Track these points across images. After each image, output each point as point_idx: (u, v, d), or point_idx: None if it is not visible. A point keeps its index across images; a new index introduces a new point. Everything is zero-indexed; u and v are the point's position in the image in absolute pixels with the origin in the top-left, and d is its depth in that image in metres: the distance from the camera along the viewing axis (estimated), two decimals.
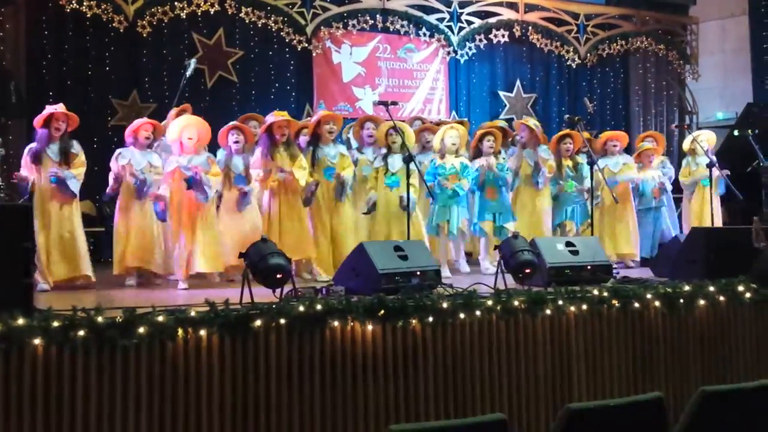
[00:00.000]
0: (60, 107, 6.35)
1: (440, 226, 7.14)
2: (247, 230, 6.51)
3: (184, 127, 6.39)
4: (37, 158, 6.20)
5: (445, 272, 6.86)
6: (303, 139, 7.02)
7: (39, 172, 6.22)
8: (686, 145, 8.87)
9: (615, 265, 6.37)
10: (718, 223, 8.35)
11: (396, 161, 6.97)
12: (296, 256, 6.30)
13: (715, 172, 8.11)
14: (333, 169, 6.77)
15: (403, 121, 8.53)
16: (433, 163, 7.23)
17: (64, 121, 6.31)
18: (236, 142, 6.65)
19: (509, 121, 10.74)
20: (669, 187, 8.55)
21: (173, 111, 7.34)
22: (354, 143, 7.79)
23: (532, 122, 8.09)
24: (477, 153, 7.50)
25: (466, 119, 9.84)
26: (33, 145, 6.29)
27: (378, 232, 6.96)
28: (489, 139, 7.44)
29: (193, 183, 6.12)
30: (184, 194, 6.19)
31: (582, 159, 7.90)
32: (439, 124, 8.18)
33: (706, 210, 8.26)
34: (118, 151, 6.69)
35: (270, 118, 6.67)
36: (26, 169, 6.23)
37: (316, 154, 6.79)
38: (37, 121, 6.28)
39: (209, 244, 6.24)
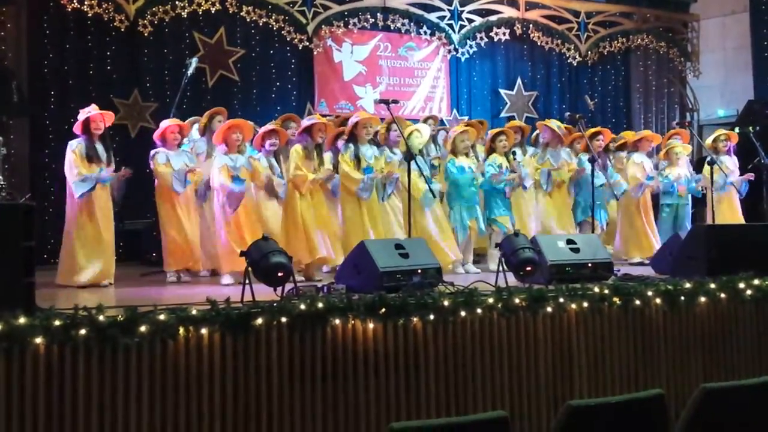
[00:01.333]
0: (94, 109, 6.53)
1: (470, 225, 7.32)
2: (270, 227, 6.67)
3: (231, 126, 6.59)
4: (90, 159, 6.42)
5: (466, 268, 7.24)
6: (340, 143, 7.22)
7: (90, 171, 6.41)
8: (708, 143, 8.87)
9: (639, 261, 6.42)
10: (740, 220, 8.48)
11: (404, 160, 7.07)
12: (305, 259, 6.53)
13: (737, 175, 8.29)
14: (371, 168, 6.94)
15: (416, 120, 8.68)
16: (452, 162, 7.35)
17: (102, 120, 6.52)
18: (272, 144, 6.80)
19: (510, 119, 10.78)
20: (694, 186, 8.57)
21: (206, 114, 7.49)
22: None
23: (555, 123, 8.20)
24: (490, 152, 7.68)
25: (485, 120, 9.83)
26: (79, 141, 6.45)
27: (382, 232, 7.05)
28: (501, 139, 7.61)
29: (239, 184, 6.37)
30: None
31: (582, 157, 7.98)
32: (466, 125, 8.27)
33: (728, 208, 8.38)
34: (153, 151, 6.90)
35: (311, 120, 6.90)
36: (75, 167, 6.38)
37: (357, 153, 6.98)
38: (77, 127, 6.50)
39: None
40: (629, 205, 8.30)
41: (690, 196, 8.53)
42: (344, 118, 8.52)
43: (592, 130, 8.31)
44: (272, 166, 6.74)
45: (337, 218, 7.07)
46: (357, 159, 6.95)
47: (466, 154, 7.41)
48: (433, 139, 8.00)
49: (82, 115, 6.48)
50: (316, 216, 6.67)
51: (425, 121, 8.54)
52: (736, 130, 9.73)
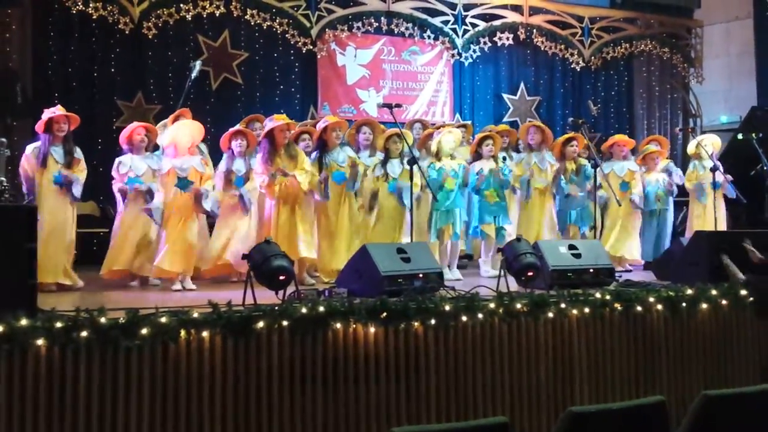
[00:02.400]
0: (59, 109, 6.38)
1: (442, 230, 7.14)
2: (243, 233, 6.63)
3: (178, 129, 6.45)
4: (43, 161, 6.25)
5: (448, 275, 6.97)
6: (303, 144, 7.08)
7: (42, 174, 6.26)
8: (691, 149, 8.85)
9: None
10: (722, 227, 8.34)
11: (395, 167, 7.01)
12: (295, 257, 6.34)
13: (719, 176, 8.12)
14: (342, 173, 6.84)
15: (403, 123, 8.58)
16: (432, 166, 7.22)
17: (66, 122, 6.35)
18: (239, 145, 6.73)
19: (512, 124, 10.77)
20: (675, 191, 8.52)
21: (171, 117, 7.35)
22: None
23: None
24: (477, 157, 7.53)
25: (469, 122, 9.84)
26: (36, 145, 6.32)
27: (382, 237, 7.01)
28: (488, 144, 7.47)
29: (185, 186, 6.19)
30: (178, 195, 6.24)
31: (583, 162, 7.93)
32: (440, 127, 8.18)
33: (710, 214, 8.25)
34: (117, 160, 6.70)
35: (270, 123, 6.72)
36: (28, 170, 6.27)
37: (324, 160, 6.88)
38: (39, 126, 6.32)
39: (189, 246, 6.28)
40: (611, 212, 8.19)
41: (670, 201, 8.49)
42: (317, 121, 8.29)
43: (566, 136, 8.06)
44: (233, 170, 6.66)
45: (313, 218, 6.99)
46: (320, 166, 6.82)
47: (451, 157, 7.31)
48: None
49: (46, 114, 6.33)
50: (296, 217, 6.61)
51: (411, 126, 8.51)
52: (739, 136, 9.74)
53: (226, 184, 6.70)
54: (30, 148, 6.34)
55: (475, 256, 8.17)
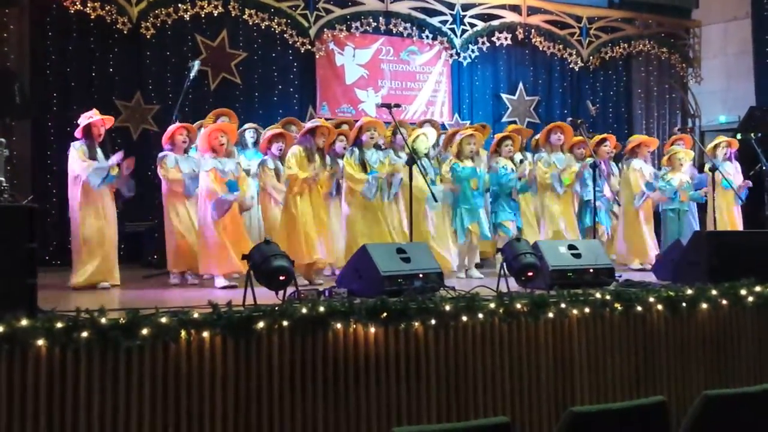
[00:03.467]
0: (95, 114, 6.53)
1: (470, 230, 7.23)
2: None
3: (216, 130, 6.58)
4: (93, 159, 6.41)
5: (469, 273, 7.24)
6: (339, 146, 7.24)
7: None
8: (709, 149, 8.85)
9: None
10: (739, 227, 8.46)
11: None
12: (317, 257, 6.55)
13: (738, 178, 8.26)
14: (376, 172, 6.94)
15: (414, 123, 8.66)
16: (456, 166, 7.30)
17: (103, 125, 6.55)
18: (279, 149, 6.92)
19: (511, 123, 10.78)
20: (704, 197, 8.55)
21: (209, 116, 7.58)
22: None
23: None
24: (495, 157, 7.71)
25: (487, 124, 9.84)
26: (81, 144, 6.44)
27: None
28: (507, 144, 7.64)
29: (232, 187, 6.36)
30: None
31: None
32: (463, 129, 8.26)
33: (728, 215, 8.35)
34: (162, 154, 6.85)
35: (315, 122, 6.90)
36: (81, 164, 6.38)
37: (363, 157, 6.99)
38: (78, 132, 6.49)
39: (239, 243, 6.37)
40: (629, 211, 8.31)
41: (693, 203, 8.52)
42: (341, 121, 8.52)
43: (599, 136, 8.32)
44: (278, 169, 6.77)
45: (336, 220, 7.07)
46: (362, 163, 6.96)
47: (471, 159, 7.39)
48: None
49: (84, 120, 6.47)
50: (314, 217, 6.65)
51: (422, 125, 8.53)
52: (738, 136, 9.74)
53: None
54: (78, 145, 6.45)
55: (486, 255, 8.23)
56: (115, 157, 6.41)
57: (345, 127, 7.92)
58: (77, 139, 6.52)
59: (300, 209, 6.58)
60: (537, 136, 8.69)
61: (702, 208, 8.71)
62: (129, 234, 8.41)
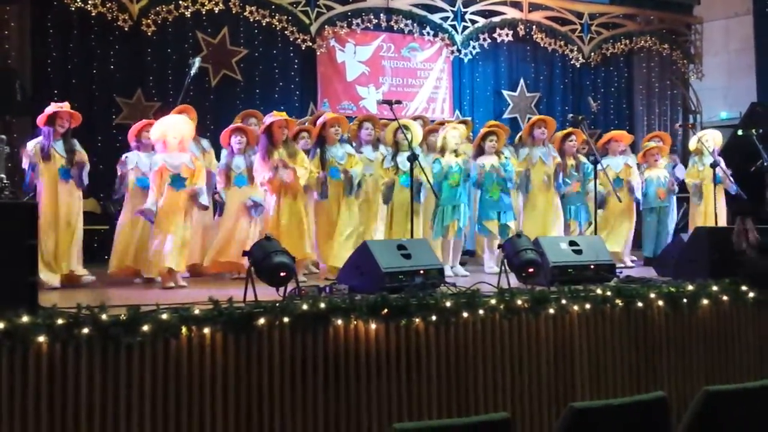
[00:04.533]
0: (65, 105, 6.40)
1: (447, 227, 7.13)
2: (245, 233, 6.62)
3: (168, 126, 6.36)
4: (46, 155, 6.27)
5: (454, 270, 7.11)
6: (302, 143, 7.08)
7: (46, 168, 6.28)
8: (692, 145, 8.84)
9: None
10: (722, 222, 8.34)
11: (405, 160, 7.00)
12: (297, 256, 6.32)
13: (719, 171, 8.12)
14: (337, 169, 6.84)
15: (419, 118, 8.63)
16: (438, 162, 7.21)
17: (68, 119, 6.38)
18: (239, 142, 6.74)
19: (513, 120, 10.77)
20: (676, 189, 8.52)
21: (172, 111, 7.35)
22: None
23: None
24: (479, 152, 7.50)
25: (469, 118, 9.84)
26: (37, 140, 6.33)
27: (396, 231, 7.09)
28: (491, 139, 7.44)
29: (177, 185, 6.15)
30: (171, 192, 6.18)
31: (583, 158, 7.94)
32: (442, 124, 8.18)
33: (710, 210, 8.25)
34: (124, 156, 6.78)
35: (269, 118, 6.72)
36: (29, 162, 6.27)
37: (324, 155, 6.88)
38: (41, 119, 6.33)
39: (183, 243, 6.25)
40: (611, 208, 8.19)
41: (672, 199, 8.49)
42: (316, 118, 8.35)
43: (565, 131, 8.05)
44: (229, 167, 6.68)
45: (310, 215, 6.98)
46: (322, 162, 6.82)
47: (455, 153, 7.30)
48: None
49: (52, 108, 6.33)
50: (294, 213, 6.63)
51: (415, 121, 8.50)
52: (739, 132, 9.74)
53: (226, 182, 6.71)
54: (31, 144, 6.35)
55: (478, 251, 8.18)
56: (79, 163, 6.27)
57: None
58: (76, 135, 6.45)
59: (283, 209, 6.55)
60: (519, 133, 8.57)
61: (681, 204, 8.71)
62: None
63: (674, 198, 8.58)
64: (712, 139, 8.62)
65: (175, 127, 6.32)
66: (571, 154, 7.86)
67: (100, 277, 6.57)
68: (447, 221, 7.10)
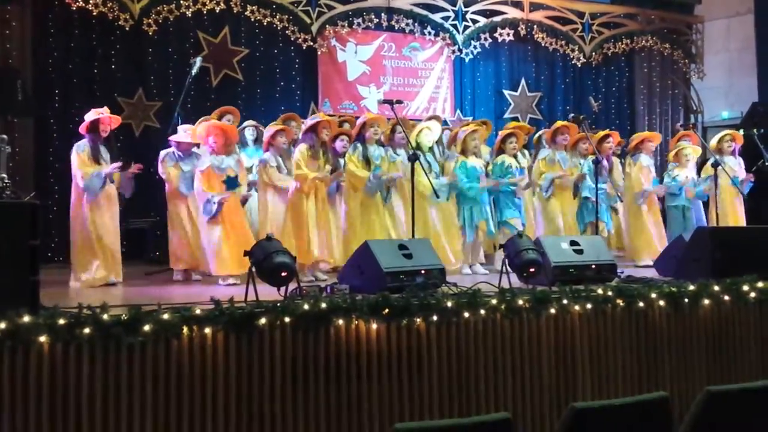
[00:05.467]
0: (105, 111, 6.53)
1: (478, 226, 7.30)
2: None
3: (208, 129, 6.54)
4: (95, 159, 6.39)
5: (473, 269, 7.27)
6: (339, 144, 7.13)
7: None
8: (713, 144, 8.83)
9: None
10: (743, 222, 8.44)
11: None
12: (306, 259, 6.51)
13: (741, 172, 8.25)
14: (379, 168, 6.96)
15: (420, 119, 8.67)
16: (464, 164, 7.28)
17: (109, 123, 6.54)
18: (284, 144, 6.89)
19: (513, 120, 10.77)
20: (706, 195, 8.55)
21: (215, 113, 7.62)
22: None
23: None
24: (500, 153, 7.69)
25: (489, 120, 9.83)
26: (84, 143, 6.42)
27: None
28: (512, 141, 7.61)
29: (231, 184, 6.33)
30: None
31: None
32: (466, 125, 8.23)
33: (731, 210, 8.32)
34: (163, 153, 6.93)
35: (316, 118, 6.87)
36: (81, 170, 6.34)
37: (367, 153, 7.01)
38: (83, 127, 6.46)
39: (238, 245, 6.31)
40: (633, 208, 8.30)
41: (698, 200, 8.51)
42: (342, 120, 8.49)
43: (602, 132, 8.30)
44: (279, 166, 6.76)
45: (337, 218, 7.05)
46: (366, 159, 6.97)
47: (475, 154, 7.40)
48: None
49: (93, 115, 6.45)
50: (319, 217, 6.67)
51: (429, 120, 8.53)
52: (741, 132, 9.72)
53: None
54: (80, 146, 6.43)
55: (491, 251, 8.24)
56: (113, 166, 6.39)
57: (347, 125, 7.91)
58: (81, 136, 6.51)
59: (307, 208, 6.59)
60: (540, 133, 8.67)
61: (705, 204, 8.70)
62: (131, 231, 8.41)
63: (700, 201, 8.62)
64: (732, 138, 8.65)
65: (215, 133, 6.49)
66: (606, 155, 8.00)
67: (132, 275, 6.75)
68: (476, 221, 7.25)
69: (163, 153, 6.93)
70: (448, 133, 8.37)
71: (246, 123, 8.03)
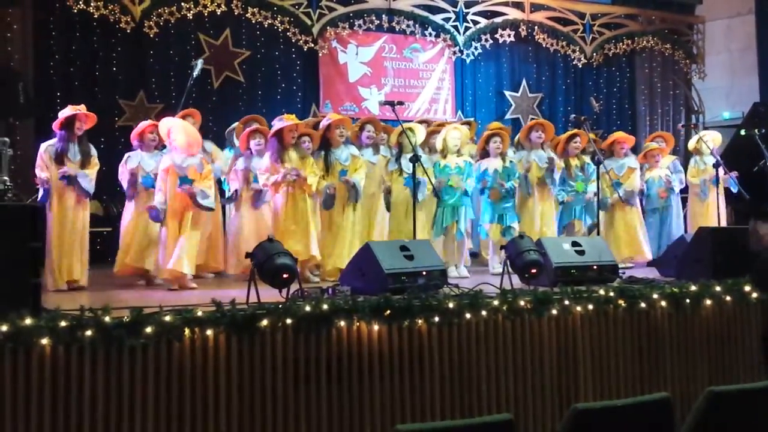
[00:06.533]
0: (81, 108, 6.42)
1: (448, 228, 7.14)
2: (262, 229, 6.64)
3: (170, 129, 6.38)
4: (59, 159, 6.26)
5: (458, 271, 7.12)
6: (305, 146, 7.04)
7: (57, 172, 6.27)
8: (691, 145, 8.84)
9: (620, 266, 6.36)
10: (723, 222, 8.33)
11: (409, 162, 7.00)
12: (301, 257, 6.34)
13: (721, 171, 8.11)
14: (345, 171, 6.85)
15: (410, 121, 8.59)
16: (437, 164, 7.21)
17: (84, 121, 6.40)
18: (258, 144, 6.80)
19: (515, 121, 10.77)
20: (677, 188, 8.51)
21: (178, 115, 7.38)
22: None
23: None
24: (484, 154, 7.52)
25: (473, 119, 9.83)
26: (51, 143, 6.32)
27: (401, 232, 7.10)
28: (495, 141, 7.45)
29: (185, 184, 6.17)
30: (176, 193, 6.20)
31: (587, 159, 7.91)
32: (442, 125, 8.17)
33: (712, 210, 8.24)
34: (126, 155, 6.77)
35: (279, 123, 6.72)
36: (42, 169, 6.25)
37: (328, 158, 6.88)
38: (57, 123, 6.34)
39: (193, 246, 6.27)
40: (612, 210, 8.16)
41: (675, 199, 8.47)
42: (317, 120, 8.35)
43: (569, 132, 8.02)
44: (247, 168, 6.73)
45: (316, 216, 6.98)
46: (326, 165, 6.82)
47: (458, 153, 7.30)
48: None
49: (69, 110, 6.33)
50: (301, 214, 6.64)
51: (420, 123, 8.49)
52: (742, 132, 9.72)
53: (245, 183, 6.83)
54: (44, 147, 6.34)
55: (483, 253, 8.18)
56: (62, 171, 6.20)
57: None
58: (53, 135, 6.38)
59: (302, 207, 6.57)
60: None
61: (684, 203, 8.70)
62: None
63: (678, 198, 8.56)
64: (712, 140, 8.61)
65: (185, 129, 6.37)
66: (575, 155, 7.84)
67: (103, 279, 6.57)
68: (447, 222, 7.10)
69: (126, 155, 6.79)
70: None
71: (234, 124, 7.96)
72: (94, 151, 6.49)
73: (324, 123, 7.08)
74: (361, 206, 7.01)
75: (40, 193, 6.22)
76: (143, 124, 6.85)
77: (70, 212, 6.27)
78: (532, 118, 11.08)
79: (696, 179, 8.60)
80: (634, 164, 8.24)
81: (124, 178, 6.69)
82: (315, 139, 6.96)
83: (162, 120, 6.63)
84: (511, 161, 7.49)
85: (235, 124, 7.89)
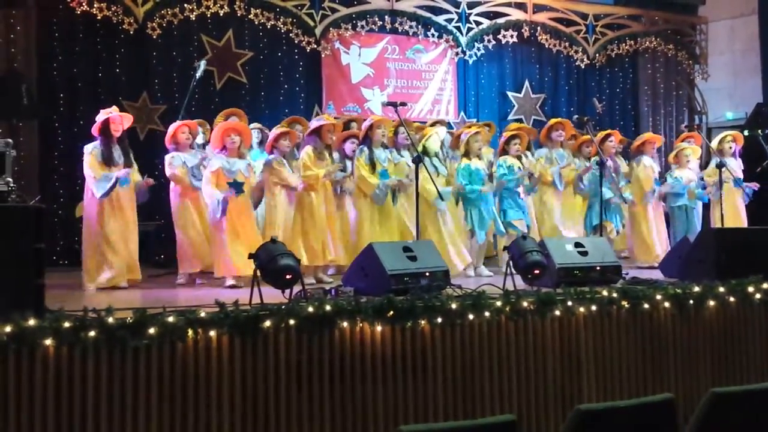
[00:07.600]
0: (114, 110, 6.50)
1: (488, 227, 7.31)
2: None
3: (228, 129, 6.55)
4: (107, 162, 6.33)
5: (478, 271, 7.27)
6: (349, 147, 7.17)
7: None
8: (714, 145, 8.82)
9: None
10: (744, 223, 8.44)
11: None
12: (319, 261, 6.60)
13: (739, 173, 8.22)
14: (385, 171, 6.96)
15: (424, 122, 8.67)
16: (467, 167, 7.29)
17: (121, 122, 6.48)
18: (287, 146, 6.88)
19: (518, 121, 10.76)
20: (706, 195, 8.55)
21: (220, 115, 7.69)
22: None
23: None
24: (503, 155, 7.68)
25: (492, 122, 9.84)
26: (95, 145, 6.38)
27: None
28: (516, 142, 7.59)
29: (236, 188, 6.33)
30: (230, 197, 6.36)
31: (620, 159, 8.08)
32: (469, 127, 8.26)
33: (733, 211, 8.33)
34: (170, 155, 6.85)
35: (320, 120, 6.89)
36: (92, 171, 6.31)
37: (373, 156, 7.00)
38: (95, 128, 6.41)
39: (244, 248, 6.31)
40: (637, 209, 8.28)
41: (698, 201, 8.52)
42: (349, 119, 8.53)
43: (603, 132, 8.32)
44: (284, 166, 6.79)
45: (343, 218, 7.06)
46: (372, 163, 6.96)
47: (478, 156, 7.40)
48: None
49: (102, 115, 6.42)
50: (327, 217, 6.69)
51: (433, 125, 8.54)
52: (745, 132, 9.71)
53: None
54: (89, 148, 6.39)
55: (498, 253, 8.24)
56: (123, 172, 6.33)
57: (353, 125, 7.94)
58: (88, 139, 6.49)
59: (316, 210, 6.61)
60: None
61: (705, 205, 8.70)
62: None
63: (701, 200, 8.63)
64: (734, 139, 8.64)
65: (238, 133, 6.52)
66: (609, 155, 8.00)
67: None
68: (487, 220, 7.24)
69: (168, 156, 6.89)
70: (448, 136, 8.37)
71: (251, 125, 8.03)
72: (130, 152, 6.60)
73: (366, 123, 7.22)
74: (409, 204, 7.09)
75: (100, 189, 6.24)
76: (173, 127, 6.93)
77: (122, 213, 6.39)
78: (535, 119, 11.13)
79: (715, 179, 8.59)
80: (650, 162, 8.39)
81: (176, 179, 6.77)
82: (360, 136, 7.17)
83: (216, 127, 6.87)
84: (515, 165, 7.59)
85: (252, 125, 7.95)
